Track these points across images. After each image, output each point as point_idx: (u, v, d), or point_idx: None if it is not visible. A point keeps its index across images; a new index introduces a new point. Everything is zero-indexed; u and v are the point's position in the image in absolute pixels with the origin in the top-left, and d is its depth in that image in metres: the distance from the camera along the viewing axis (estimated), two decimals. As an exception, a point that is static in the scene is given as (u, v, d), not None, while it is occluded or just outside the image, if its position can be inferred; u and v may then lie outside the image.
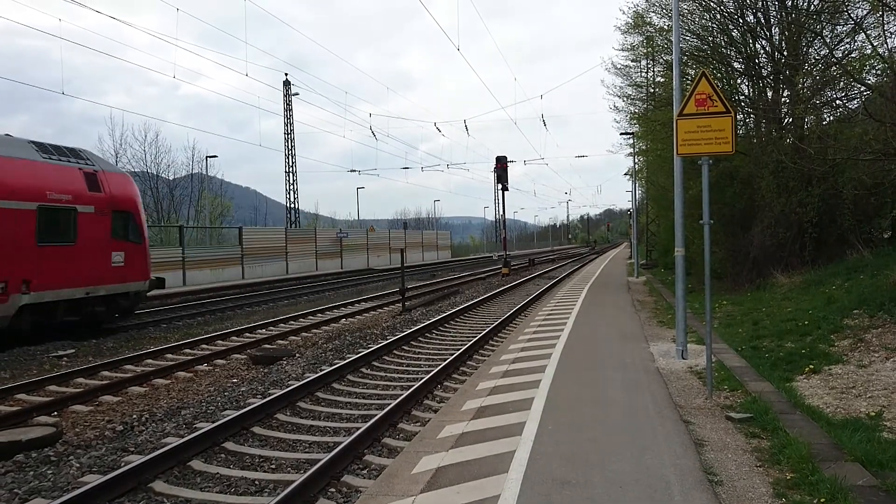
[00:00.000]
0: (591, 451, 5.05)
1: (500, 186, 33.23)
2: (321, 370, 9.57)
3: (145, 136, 62.63)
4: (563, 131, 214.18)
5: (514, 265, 37.26)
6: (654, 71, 24.35)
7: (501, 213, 36.19)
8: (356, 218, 69.42)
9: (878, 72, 13.18)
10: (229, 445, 6.40)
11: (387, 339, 12.27)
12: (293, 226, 46.58)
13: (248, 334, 14.10)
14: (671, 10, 10.24)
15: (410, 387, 8.33)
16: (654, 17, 19.15)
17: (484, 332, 12.81)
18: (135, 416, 7.73)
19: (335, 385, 8.95)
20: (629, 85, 26.24)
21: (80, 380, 9.88)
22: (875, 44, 13.00)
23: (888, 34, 13.02)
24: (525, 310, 17.11)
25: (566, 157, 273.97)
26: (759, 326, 10.87)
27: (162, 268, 25.68)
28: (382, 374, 9.90)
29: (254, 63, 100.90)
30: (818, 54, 16.15)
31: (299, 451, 6.41)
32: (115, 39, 71.05)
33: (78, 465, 5.89)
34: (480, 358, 10.82)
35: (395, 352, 11.35)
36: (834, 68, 14.32)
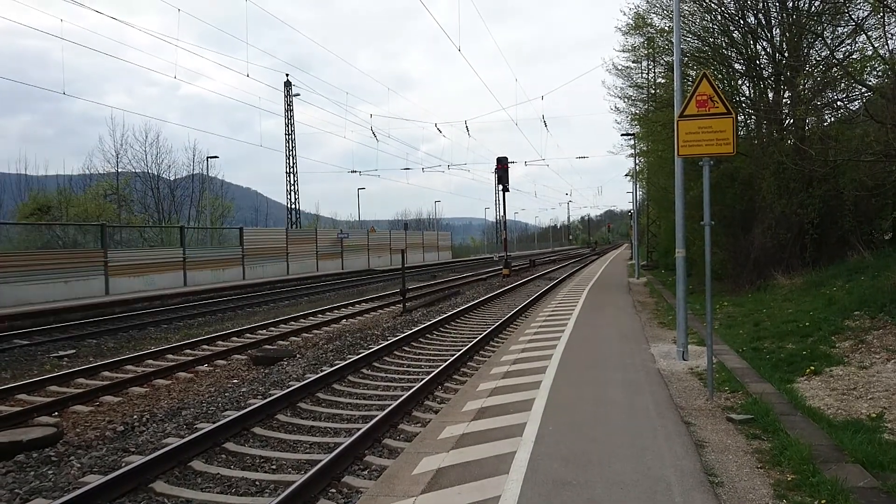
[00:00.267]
0: (592, 451, 5.04)
1: (500, 187, 33.27)
2: (322, 371, 9.58)
3: (146, 137, 62.57)
4: (563, 132, 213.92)
5: (514, 266, 37.28)
6: (654, 72, 24.39)
7: (502, 213, 36.18)
8: (357, 219, 69.39)
9: (879, 73, 13.21)
10: (230, 446, 6.41)
11: (387, 340, 12.27)
12: (294, 226, 46.60)
13: (248, 335, 14.11)
14: (672, 12, 10.24)
15: (411, 387, 8.34)
16: (655, 19, 19.22)
17: (484, 332, 12.80)
18: (135, 417, 7.74)
19: (336, 386, 8.96)
20: (630, 86, 26.31)
21: (81, 380, 9.90)
22: (876, 45, 13.03)
23: (889, 35, 13.06)
24: (526, 311, 17.11)
25: (567, 157, 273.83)
26: (760, 328, 10.86)
27: (163, 268, 25.72)
28: (383, 374, 9.91)
29: (255, 63, 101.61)
30: (819, 55, 16.16)
31: (300, 451, 6.41)
32: (115, 40, 70.98)
33: (79, 465, 5.89)
34: (481, 359, 10.82)
35: (395, 352, 11.35)
36: (835, 69, 14.33)
